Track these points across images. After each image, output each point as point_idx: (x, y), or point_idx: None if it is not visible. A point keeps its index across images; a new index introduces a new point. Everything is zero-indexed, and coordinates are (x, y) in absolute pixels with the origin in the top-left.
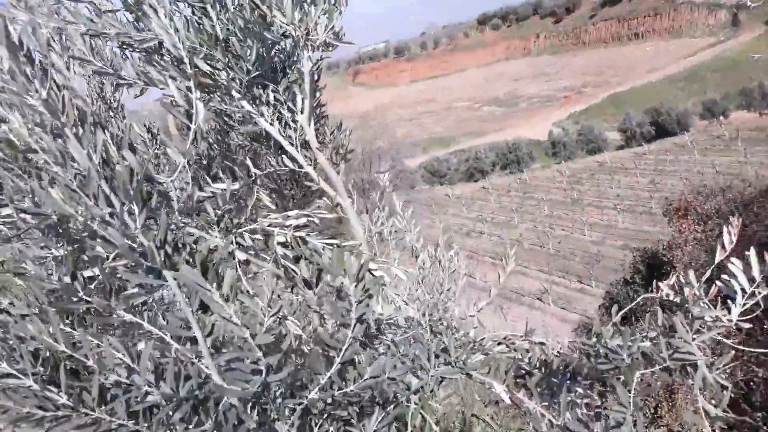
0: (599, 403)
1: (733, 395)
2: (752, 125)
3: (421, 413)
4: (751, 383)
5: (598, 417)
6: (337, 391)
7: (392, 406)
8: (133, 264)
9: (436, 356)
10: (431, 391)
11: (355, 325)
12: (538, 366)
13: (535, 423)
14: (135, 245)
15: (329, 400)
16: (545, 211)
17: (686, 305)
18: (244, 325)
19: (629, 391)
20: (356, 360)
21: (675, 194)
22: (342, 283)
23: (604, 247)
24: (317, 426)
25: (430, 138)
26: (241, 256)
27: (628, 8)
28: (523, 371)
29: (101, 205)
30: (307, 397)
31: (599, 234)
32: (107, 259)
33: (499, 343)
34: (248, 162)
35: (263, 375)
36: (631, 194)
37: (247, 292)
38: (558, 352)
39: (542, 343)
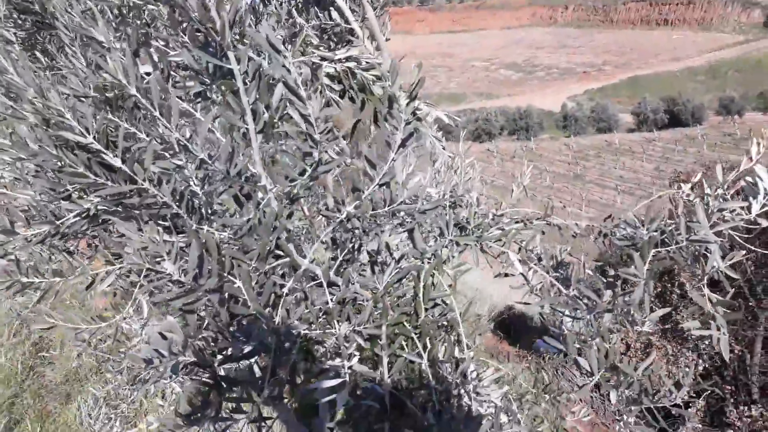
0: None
1: (707, 366)
2: (765, 128)
3: (433, 273)
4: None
5: (610, 286)
6: (372, 210)
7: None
8: (201, 40)
9: (455, 225)
10: (446, 259)
11: (400, 145)
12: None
13: (545, 294)
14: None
15: (359, 225)
16: (546, 181)
17: (708, 199)
18: (307, 97)
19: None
20: (391, 184)
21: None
22: (395, 94)
23: (598, 224)
24: (341, 265)
25: (441, 93)
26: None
27: None
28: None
29: None
30: (342, 211)
31: (596, 211)
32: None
33: (517, 222)
34: (294, 13)
35: (316, 160)
36: (634, 177)
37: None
38: (574, 233)
39: (559, 227)
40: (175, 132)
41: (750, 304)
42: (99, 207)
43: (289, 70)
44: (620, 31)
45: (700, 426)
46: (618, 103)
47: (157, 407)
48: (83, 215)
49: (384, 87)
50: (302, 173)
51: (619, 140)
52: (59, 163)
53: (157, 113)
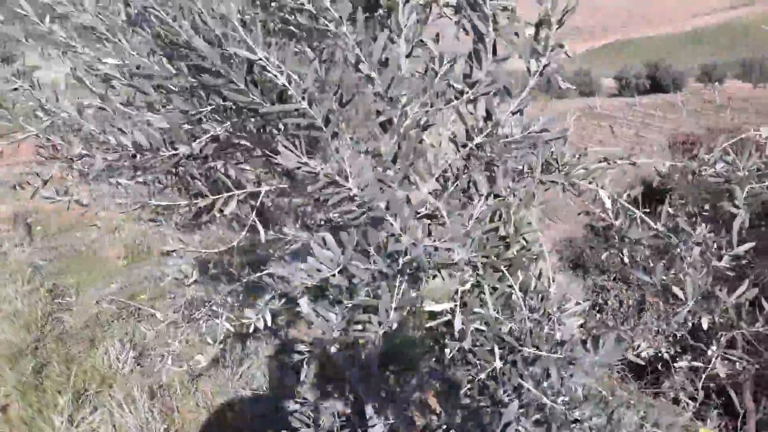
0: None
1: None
2: (744, 95)
3: (521, 215)
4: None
5: (706, 220)
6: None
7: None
8: None
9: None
10: (533, 194)
11: (539, 72)
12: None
13: (632, 231)
14: None
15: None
16: None
17: None
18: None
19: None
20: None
21: (656, 150)
22: (548, 17)
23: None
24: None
25: None
26: None
27: None
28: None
29: None
30: (473, 139)
31: None
32: None
33: (600, 161)
34: None
35: (478, 80)
36: (614, 142)
37: None
38: (659, 172)
39: (633, 162)
40: (356, 48)
41: None
42: (228, 131)
43: None
44: None
45: (685, 380)
46: (602, 68)
47: (205, 346)
48: (213, 139)
49: (509, 17)
50: (460, 94)
51: (600, 105)
52: (213, 82)
53: (345, 29)
